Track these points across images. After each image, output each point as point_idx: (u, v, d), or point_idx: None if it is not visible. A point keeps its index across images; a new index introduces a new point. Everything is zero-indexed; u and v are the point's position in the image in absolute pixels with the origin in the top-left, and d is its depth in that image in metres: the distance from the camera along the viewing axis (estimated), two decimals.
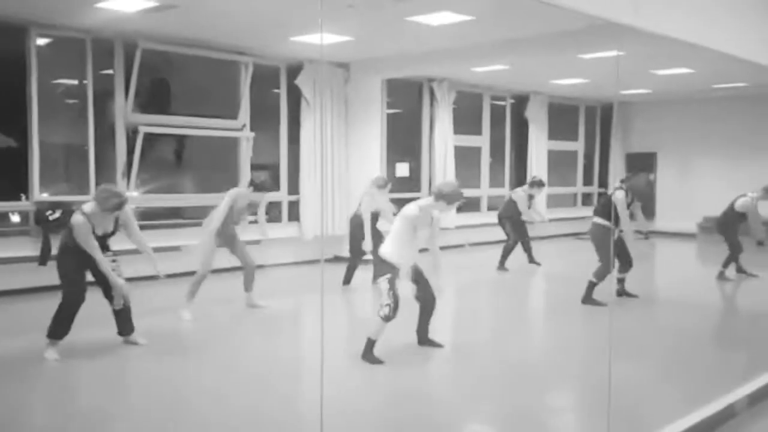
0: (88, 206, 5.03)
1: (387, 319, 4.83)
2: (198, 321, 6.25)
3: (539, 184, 9.63)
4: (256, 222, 6.95)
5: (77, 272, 5.07)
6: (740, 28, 4.60)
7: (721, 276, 8.78)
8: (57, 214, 5.15)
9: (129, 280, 5.27)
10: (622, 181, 7.14)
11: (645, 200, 7.22)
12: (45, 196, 7.49)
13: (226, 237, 6.50)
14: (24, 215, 7.56)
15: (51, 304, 5.07)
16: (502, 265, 9.40)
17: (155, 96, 8.84)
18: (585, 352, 5.60)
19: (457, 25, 7.27)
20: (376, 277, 5.05)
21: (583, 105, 14.59)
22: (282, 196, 9.83)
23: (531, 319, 7.21)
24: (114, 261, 5.18)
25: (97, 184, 7.85)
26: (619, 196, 6.94)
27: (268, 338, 5.97)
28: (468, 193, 11.94)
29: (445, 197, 4.89)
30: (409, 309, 5.23)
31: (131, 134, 8.13)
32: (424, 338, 5.37)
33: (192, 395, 4.47)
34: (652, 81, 11.41)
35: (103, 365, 5.04)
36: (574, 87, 12.48)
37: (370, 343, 4.93)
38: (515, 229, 9.47)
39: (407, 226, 4.92)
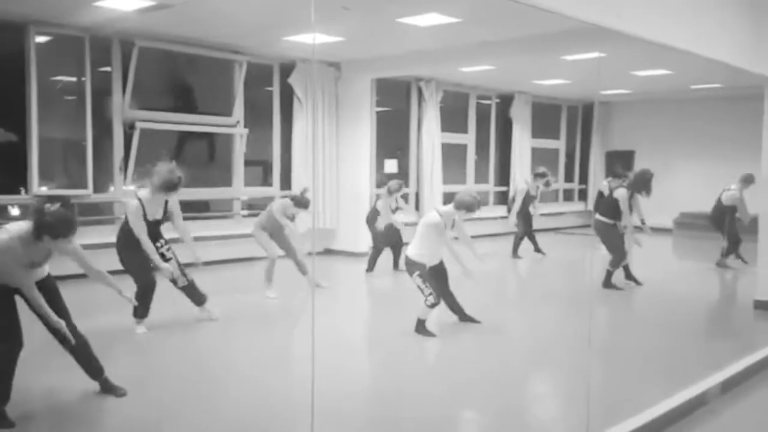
0: (143, 192, 5.39)
1: (433, 306, 5.42)
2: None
3: (543, 175, 9.97)
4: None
5: (143, 263, 5.38)
6: (717, 33, 4.65)
7: (721, 263, 8.95)
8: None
9: None
10: (615, 177, 7.39)
11: (648, 193, 7.48)
12: (44, 190, 7.47)
13: (272, 229, 6.95)
14: (24, 208, 7.53)
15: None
16: (516, 253, 9.88)
17: (152, 93, 8.81)
18: (567, 340, 5.65)
19: (444, 27, 7.29)
20: (410, 273, 5.54)
21: (565, 105, 14.67)
22: (275, 191, 9.83)
23: (519, 309, 7.26)
24: (165, 245, 5.57)
25: (95, 178, 7.85)
26: (622, 194, 7.17)
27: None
28: (454, 188, 12.10)
29: (465, 206, 5.49)
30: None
31: (128, 130, 8.11)
32: (463, 316, 5.87)
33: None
34: (631, 82, 11.49)
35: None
36: (557, 87, 12.54)
37: (421, 322, 5.51)
38: (526, 220, 9.93)
39: (430, 231, 5.47)
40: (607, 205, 7.59)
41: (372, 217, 8.44)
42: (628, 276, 7.82)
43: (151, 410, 4.00)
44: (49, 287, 3.89)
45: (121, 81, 8.05)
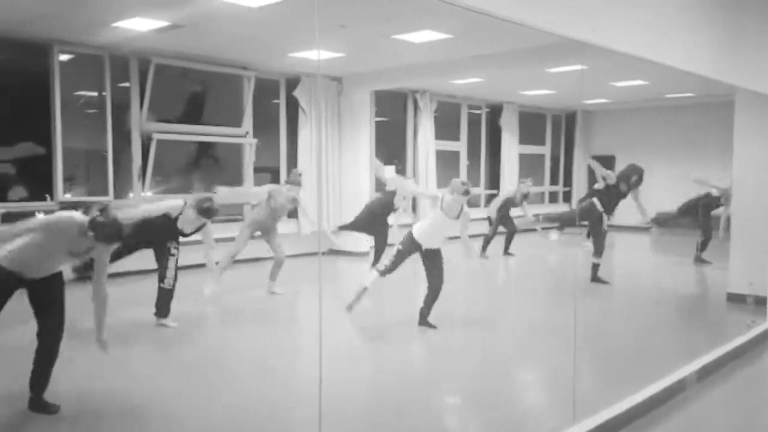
0: (188, 206, 5.36)
1: (380, 273, 5.41)
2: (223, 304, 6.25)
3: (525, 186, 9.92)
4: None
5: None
6: (689, 45, 4.62)
7: (698, 259, 8.81)
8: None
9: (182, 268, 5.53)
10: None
11: (635, 189, 7.40)
12: (68, 197, 7.44)
13: (264, 228, 6.76)
14: (49, 214, 7.49)
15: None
16: (484, 252, 9.51)
17: (167, 106, 8.77)
18: (553, 332, 5.62)
19: (437, 43, 7.26)
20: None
21: (550, 113, 14.62)
22: None
23: (508, 304, 7.23)
24: (176, 248, 5.44)
25: (115, 186, 7.82)
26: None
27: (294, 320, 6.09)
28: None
29: (453, 187, 5.34)
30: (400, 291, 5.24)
31: (146, 141, 8.08)
32: (423, 320, 5.48)
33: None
34: (611, 92, 11.46)
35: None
36: (542, 97, 12.51)
37: (358, 293, 5.49)
38: (507, 221, 9.66)
39: (426, 207, 5.67)
40: (610, 195, 7.30)
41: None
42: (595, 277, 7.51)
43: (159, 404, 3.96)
44: (56, 284, 3.67)
45: (138, 95, 8.02)
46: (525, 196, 9.84)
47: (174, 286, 5.41)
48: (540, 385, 4.59)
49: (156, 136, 8.01)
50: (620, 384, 4.19)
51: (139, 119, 8.04)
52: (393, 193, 7.76)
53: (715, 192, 8.79)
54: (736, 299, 6.50)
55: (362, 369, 4.70)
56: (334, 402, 3.75)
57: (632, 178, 7.29)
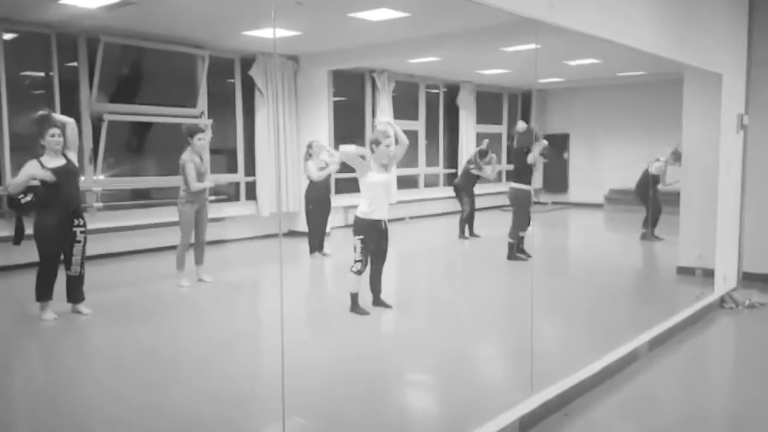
0: None
1: (358, 273, 5.11)
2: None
3: (484, 153, 9.53)
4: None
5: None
6: (642, 24, 4.70)
7: (645, 236, 8.96)
8: (29, 198, 4.92)
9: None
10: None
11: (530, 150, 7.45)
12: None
13: (198, 206, 6.33)
14: None
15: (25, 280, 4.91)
16: (463, 234, 9.29)
17: (118, 86, 8.50)
18: (511, 305, 5.72)
19: (394, 21, 7.22)
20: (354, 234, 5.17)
21: (506, 93, 14.75)
22: (239, 177, 9.66)
23: (467, 278, 7.32)
24: (82, 228, 5.10)
25: None
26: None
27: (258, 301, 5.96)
28: (407, 171, 12.11)
29: (372, 140, 5.19)
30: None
31: (96, 122, 7.81)
32: (377, 299, 5.34)
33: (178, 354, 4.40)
34: (564, 70, 11.60)
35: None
36: (498, 77, 12.59)
37: (354, 296, 5.21)
38: (470, 200, 9.37)
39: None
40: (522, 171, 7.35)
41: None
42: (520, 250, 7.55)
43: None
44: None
45: (87, 76, 7.74)
46: (484, 154, 9.50)
47: (81, 272, 5.12)
48: (499, 359, 4.67)
49: (107, 117, 7.75)
50: (576, 355, 4.30)
51: (88, 100, 7.77)
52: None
53: (652, 169, 9.00)
54: (685, 272, 6.72)
55: (322, 349, 4.69)
56: (296, 383, 3.75)
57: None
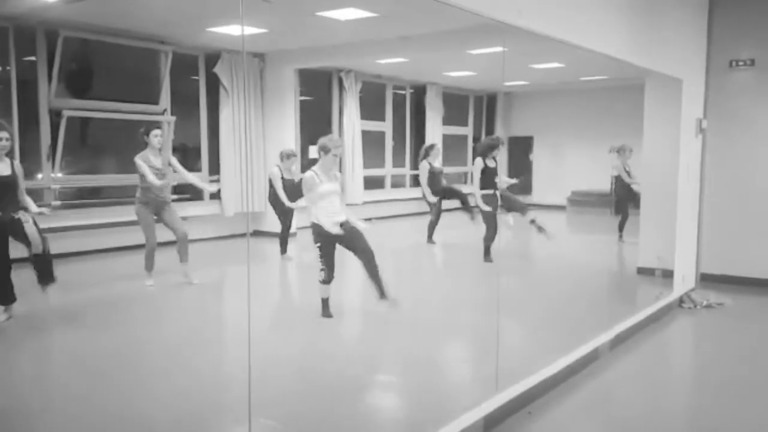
0: None
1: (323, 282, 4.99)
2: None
3: (431, 147, 9.21)
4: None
5: None
6: (606, 29, 4.80)
7: (621, 239, 8.97)
8: None
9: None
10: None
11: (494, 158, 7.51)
12: None
13: (156, 205, 6.18)
14: None
15: None
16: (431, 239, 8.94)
17: (78, 82, 8.30)
18: (476, 308, 5.76)
19: (361, 21, 7.21)
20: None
21: (472, 95, 14.89)
22: (204, 176, 9.53)
23: (433, 280, 7.36)
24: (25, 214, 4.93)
25: (23, 167, 7.32)
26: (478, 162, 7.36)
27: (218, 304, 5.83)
28: (374, 172, 12.13)
29: (320, 146, 5.06)
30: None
31: (55, 118, 7.59)
32: (381, 295, 5.06)
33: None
34: (529, 74, 11.76)
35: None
36: (464, 79, 12.70)
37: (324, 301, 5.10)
38: (439, 205, 8.95)
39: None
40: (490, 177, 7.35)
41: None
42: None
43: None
44: None
45: (46, 70, 7.52)
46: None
47: (45, 248, 4.91)
48: (465, 358, 4.70)
49: (66, 113, 7.56)
50: (539, 354, 4.36)
51: (47, 95, 7.56)
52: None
53: (615, 171, 9.11)
54: (645, 272, 6.88)
55: (287, 352, 4.66)
56: (262, 385, 3.72)
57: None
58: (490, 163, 7.46)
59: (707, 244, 6.90)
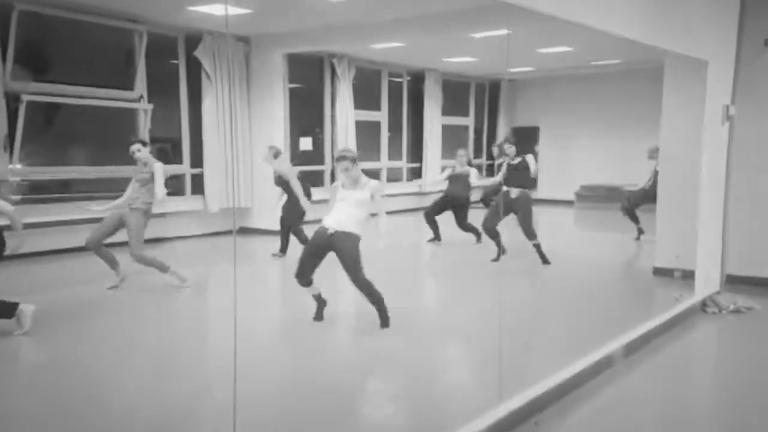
0: None
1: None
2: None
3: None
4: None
5: None
6: (620, 7, 4.55)
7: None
8: None
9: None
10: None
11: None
12: None
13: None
14: None
15: None
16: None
17: (38, 62, 7.88)
18: (480, 310, 5.54)
19: (355, 2, 6.95)
20: None
21: (474, 82, 14.60)
22: (185, 169, 9.25)
23: (434, 281, 7.12)
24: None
25: None
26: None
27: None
28: (369, 165, 11.85)
29: (337, 156, 5.21)
30: None
31: (12, 103, 7.20)
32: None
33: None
34: (536, 59, 11.49)
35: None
36: (465, 65, 12.44)
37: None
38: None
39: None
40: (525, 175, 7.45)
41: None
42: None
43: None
44: None
45: (0, 49, 7.13)
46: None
47: None
48: (467, 366, 4.51)
49: (25, 98, 7.17)
50: (548, 360, 4.20)
51: (2, 77, 7.15)
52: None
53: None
54: (663, 273, 6.61)
55: (280, 357, 4.47)
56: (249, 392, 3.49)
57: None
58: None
59: (734, 242, 6.56)
